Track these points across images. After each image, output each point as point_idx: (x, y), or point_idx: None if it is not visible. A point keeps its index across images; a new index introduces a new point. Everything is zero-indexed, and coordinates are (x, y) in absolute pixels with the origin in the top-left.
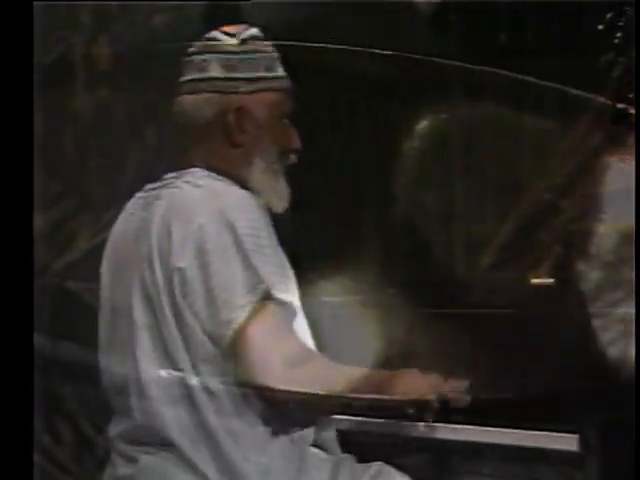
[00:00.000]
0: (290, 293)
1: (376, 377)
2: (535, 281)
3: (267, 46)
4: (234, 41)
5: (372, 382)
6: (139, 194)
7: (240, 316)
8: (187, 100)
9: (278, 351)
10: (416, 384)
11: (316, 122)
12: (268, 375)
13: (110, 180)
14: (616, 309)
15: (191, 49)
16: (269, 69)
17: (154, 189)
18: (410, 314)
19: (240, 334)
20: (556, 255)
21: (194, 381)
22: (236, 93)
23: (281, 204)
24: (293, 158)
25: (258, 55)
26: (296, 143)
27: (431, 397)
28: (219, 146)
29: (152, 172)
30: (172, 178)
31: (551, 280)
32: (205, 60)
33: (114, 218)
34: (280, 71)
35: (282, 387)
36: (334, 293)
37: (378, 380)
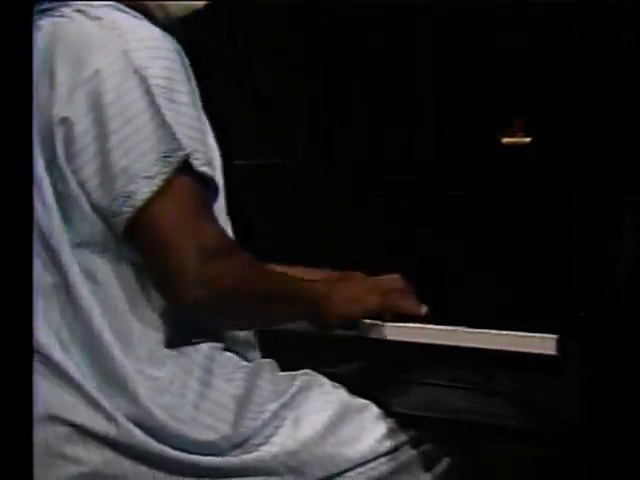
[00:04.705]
0: (213, 167)
1: (314, 284)
2: (507, 140)
3: None
4: None
5: (308, 289)
6: None
7: (144, 190)
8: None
9: (193, 238)
10: (363, 296)
11: None
12: (178, 269)
13: None
14: None
15: None
16: None
17: None
18: (352, 191)
19: (143, 214)
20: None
21: (74, 269)
22: None
23: None
24: None
25: None
26: None
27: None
28: None
29: None
30: (57, 2)
31: (526, 139)
32: None
33: None
34: None
35: (195, 284)
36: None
37: (316, 287)
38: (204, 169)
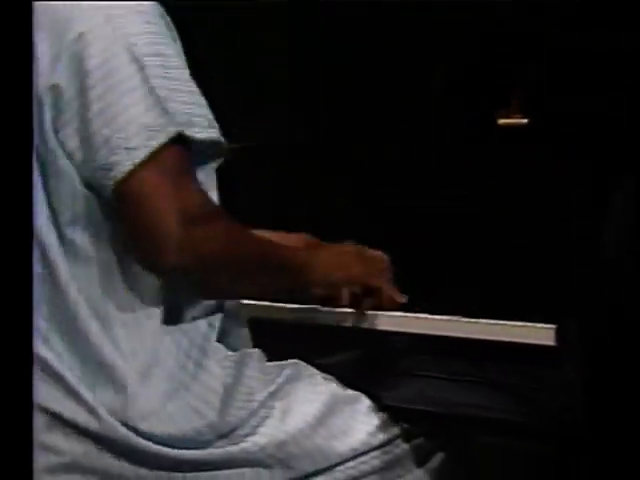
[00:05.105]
0: (210, 130)
1: (298, 252)
2: (503, 121)
3: None
4: None
5: (293, 256)
6: None
7: (125, 162)
8: None
9: (177, 206)
10: (347, 263)
11: None
12: (162, 236)
13: None
14: None
15: None
16: None
17: None
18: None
19: (125, 185)
20: (527, 88)
21: (54, 244)
22: None
23: None
24: None
25: None
26: None
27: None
28: None
29: None
30: None
31: (523, 120)
32: None
33: None
34: None
35: (179, 250)
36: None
37: (300, 254)
38: (204, 136)
